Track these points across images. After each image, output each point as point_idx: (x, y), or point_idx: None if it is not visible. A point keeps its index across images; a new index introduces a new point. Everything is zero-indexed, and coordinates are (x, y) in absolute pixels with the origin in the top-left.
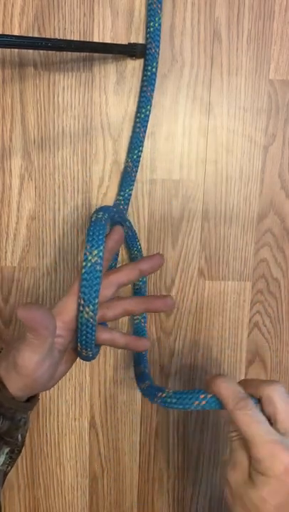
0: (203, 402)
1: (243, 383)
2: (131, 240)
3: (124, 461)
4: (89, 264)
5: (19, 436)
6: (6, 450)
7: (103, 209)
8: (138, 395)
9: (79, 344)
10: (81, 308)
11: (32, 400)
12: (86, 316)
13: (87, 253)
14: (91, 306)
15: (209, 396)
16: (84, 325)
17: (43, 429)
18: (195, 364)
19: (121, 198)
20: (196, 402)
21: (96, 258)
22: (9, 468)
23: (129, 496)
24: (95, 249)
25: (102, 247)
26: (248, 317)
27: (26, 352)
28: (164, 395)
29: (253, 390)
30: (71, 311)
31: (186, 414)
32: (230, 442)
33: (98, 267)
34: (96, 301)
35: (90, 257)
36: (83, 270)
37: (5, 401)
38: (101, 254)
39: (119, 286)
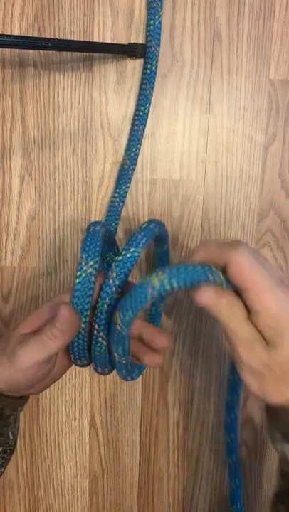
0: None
1: (204, 249)
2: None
3: (124, 461)
4: (83, 275)
5: (9, 434)
6: None
7: (99, 222)
8: (138, 395)
9: (72, 354)
10: None
11: (21, 397)
12: (78, 327)
13: (83, 263)
14: (83, 318)
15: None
16: (76, 336)
17: (43, 429)
18: (195, 364)
19: (116, 195)
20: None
21: (91, 269)
22: (2, 469)
23: (129, 496)
24: (90, 260)
25: (97, 259)
26: None
27: (32, 348)
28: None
29: (215, 256)
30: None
31: (186, 415)
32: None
33: (92, 278)
34: (88, 312)
35: (85, 267)
36: (77, 280)
37: None
38: (96, 265)
39: None
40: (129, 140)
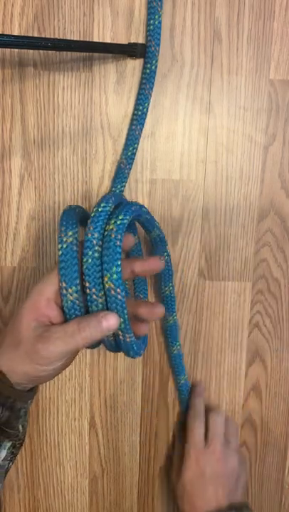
0: None
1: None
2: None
3: (124, 461)
4: (65, 246)
5: (20, 427)
6: (8, 445)
7: (75, 205)
8: (138, 395)
9: None
10: (64, 291)
11: (31, 389)
12: (71, 298)
13: (62, 235)
14: (74, 287)
15: None
16: (71, 308)
17: (43, 429)
18: (195, 364)
19: None
20: None
21: (71, 239)
22: (10, 464)
23: (129, 496)
24: (70, 231)
25: (76, 230)
26: (248, 317)
27: (59, 346)
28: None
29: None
30: (51, 289)
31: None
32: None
33: (75, 248)
34: (77, 281)
35: (65, 238)
36: (60, 252)
37: (4, 390)
38: (76, 236)
39: None
40: (127, 139)
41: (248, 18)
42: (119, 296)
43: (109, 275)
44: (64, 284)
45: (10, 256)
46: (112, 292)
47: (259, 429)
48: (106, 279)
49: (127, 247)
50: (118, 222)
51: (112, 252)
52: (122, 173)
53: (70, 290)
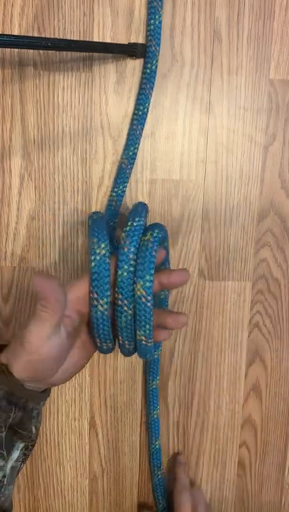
0: None
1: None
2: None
3: (124, 461)
4: (98, 258)
5: (33, 428)
6: (21, 446)
7: (99, 212)
8: (138, 394)
9: (97, 338)
10: (95, 302)
11: (44, 391)
12: (101, 309)
13: (95, 246)
14: (105, 299)
15: None
16: (100, 319)
17: (43, 429)
18: (195, 364)
19: (114, 194)
20: None
21: (104, 251)
22: (22, 465)
23: (129, 496)
24: (102, 243)
25: (108, 241)
26: (248, 317)
27: (35, 326)
28: None
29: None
30: (81, 292)
31: (187, 415)
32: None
33: (107, 260)
34: (108, 293)
35: (98, 250)
36: (92, 264)
37: (16, 390)
38: (108, 248)
39: None
40: (128, 139)
41: (248, 18)
42: (148, 304)
43: (142, 282)
44: (95, 295)
45: (10, 256)
46: (143, 300)
47: (259, 429)
48: (138, 286)
49: (159, 260)
50: (154, 235)
51: (147, 260)
52: (123, 173)
53: (101, 301)
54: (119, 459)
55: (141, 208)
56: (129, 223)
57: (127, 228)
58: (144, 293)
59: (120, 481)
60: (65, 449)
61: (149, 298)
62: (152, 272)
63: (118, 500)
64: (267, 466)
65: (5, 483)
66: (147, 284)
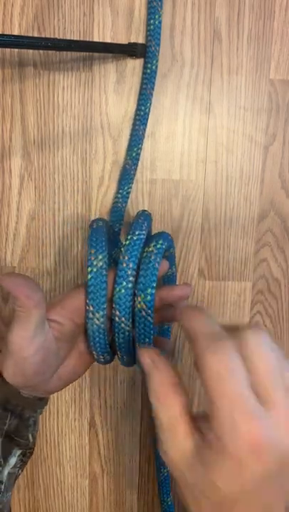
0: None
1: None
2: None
3: (124, 461)
4: (95, 269)
5: (30, 436)
6: (18, 452)
7: (101, 219)
8: (138, 395)
9: (94, 352)
10: (91, 315)
11: (41, 399)
12: (97, 322)
13: (92, 258)
14: (101, 312)
15: None
16: (96, 332)
17: (43, 429)
18: None
19: (119, 195)
20: None
21: (101, 263)
22: (20, 471)
23: (129, 496)
24: (100, 254)
25: (106, 252)
26: (249, 317)
27: (16, 326)
28: None
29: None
30: (76, 303)
31: None
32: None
33: (104, 272)
34: (104, 306)
35: (95, 262)
36: (89, 276)
37: (12, 397)
38: (106, 259)
39: None
40: (131, 140)
41: (248, 18)
42: (149, 318)
43: (143, 296)
44: (91, 308)
45: (10, 256)
46: (143, 313)
47: None
48: (139, 300)
49: (162, 273)
50: (158, 246)
51: (149, 273)
52: (127, 174)
53: (97, 315)
54: (119, 459)
55: (142, 219)
56: (129, 237)
57: (126, 242)
58: (144, 306)
59: (120, 481)
60: (65, 450)
61: (149, 312)
62: (154, 285)
63: (118, 500)
64: None
65: (2, 489)
66: (148, 297)
